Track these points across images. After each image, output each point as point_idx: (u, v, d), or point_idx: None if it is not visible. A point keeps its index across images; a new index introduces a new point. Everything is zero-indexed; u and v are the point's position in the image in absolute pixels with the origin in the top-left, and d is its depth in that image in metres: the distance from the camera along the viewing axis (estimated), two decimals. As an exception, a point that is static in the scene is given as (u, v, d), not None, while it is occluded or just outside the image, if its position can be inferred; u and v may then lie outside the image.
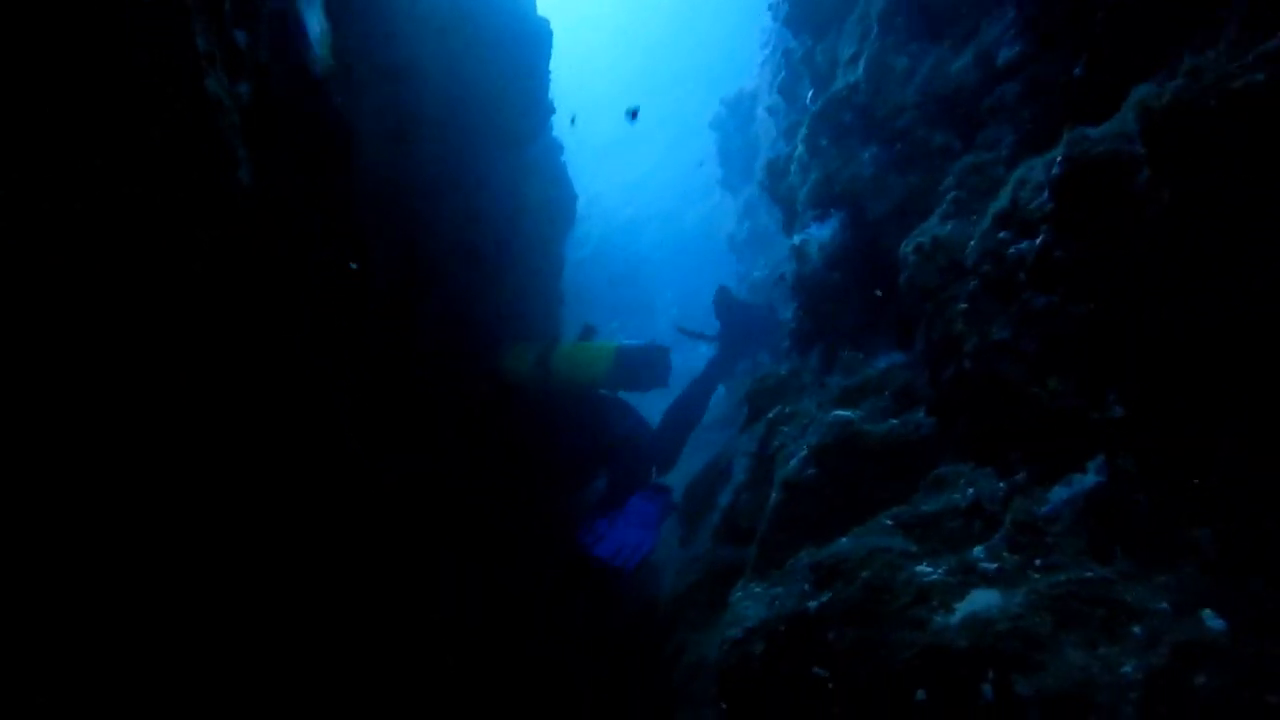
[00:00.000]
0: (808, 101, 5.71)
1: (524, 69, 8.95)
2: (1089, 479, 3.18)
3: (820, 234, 5.18)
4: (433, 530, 5.61)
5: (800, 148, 5.82)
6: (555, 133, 11.28)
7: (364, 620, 4.29)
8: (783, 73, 7.49)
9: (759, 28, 11.88)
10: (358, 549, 4.23)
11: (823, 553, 3.55)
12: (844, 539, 3.69)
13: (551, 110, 10.04)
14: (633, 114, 11.82)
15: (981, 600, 2.99)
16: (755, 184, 11.69)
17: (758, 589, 3.94)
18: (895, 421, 4.16)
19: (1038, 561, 3.16)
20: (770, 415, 4.94)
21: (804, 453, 4.25)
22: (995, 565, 3.17)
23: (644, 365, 7.58)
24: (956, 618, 2.94)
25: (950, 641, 2.87)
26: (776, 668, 3.34)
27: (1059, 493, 3.25)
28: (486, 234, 8.42)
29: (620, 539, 7.41)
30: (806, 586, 3.44)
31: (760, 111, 11.52)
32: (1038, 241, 3.26)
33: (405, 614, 4.74)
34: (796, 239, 5.44)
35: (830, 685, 3.12)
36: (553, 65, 9.45)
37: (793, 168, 6.31)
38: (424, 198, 7.03)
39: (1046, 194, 3.22)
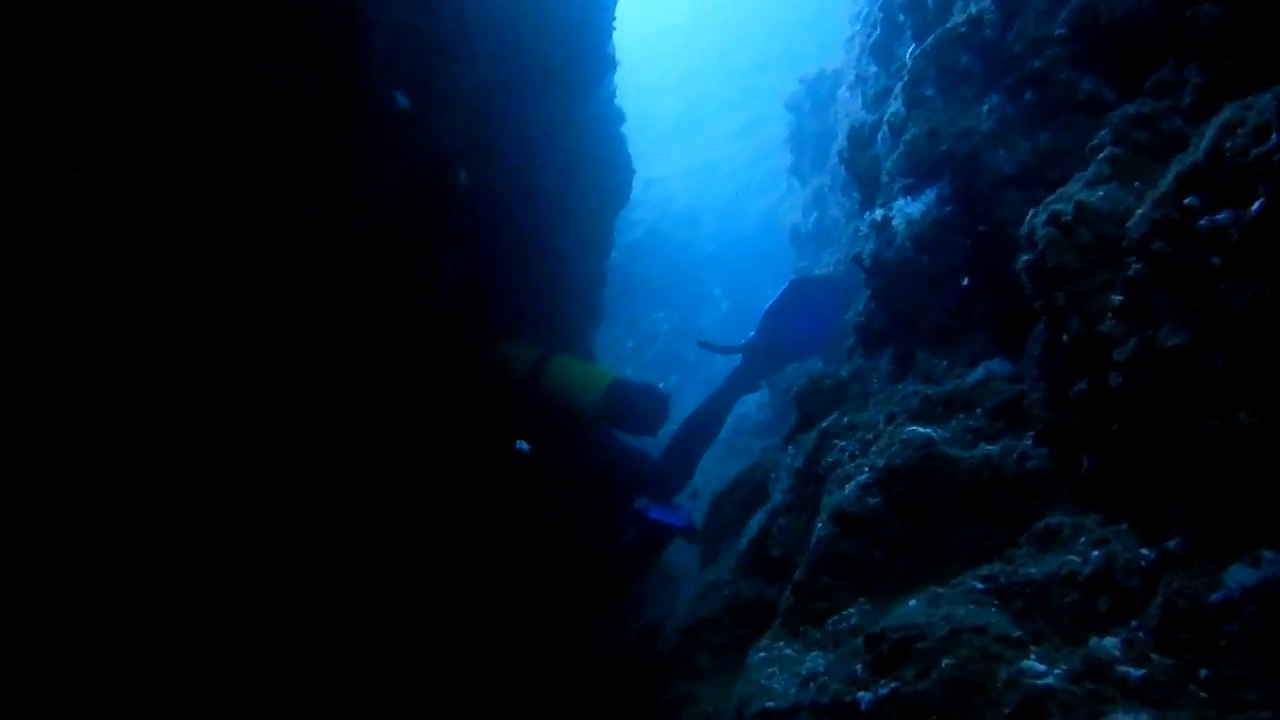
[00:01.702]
0: (907, 58, 4.69)
1: (583, 8, 7.98)
2: (1291, 561, 2.17)
3: (911, 208, 4.16)
4: (430, 526, 5.29)
5: (895, 105, 4.79)
6: (618, 100, 10.37)
7: (360, 616, 4.22)
8: (877, 31, 6.44)
9: (849, 3, 10.84)
10: (354, 543, 4.18)
11: (885, 620, 2.54)
12: (913, 601, 2.69)
13: (613, 64, 9.08)
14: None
15: (1127, 726, 1.97)
16: (827, 172, 10.69)
17: (789, 651, 2.94)
18: (992, 448, 3.14)
19: (1203, 673, 2.14)
20: (824, 425, 3.94)
21: (865, 476, 3.24)
22: (1141, 672, 2.15)
23: (637, 406, 6.75)
24: (1091, 754, 1.93)
25: (1080, 792, 1.87)
26: (804, 780, 2.35)
27: (1240, 574, 2.23)
28: (528, 199, 7.53)
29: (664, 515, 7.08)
30: (859, 667, 2.43)
31: (842, 92, 10.50)
32: (1253, 209, 2.23)
33: (400, 611, 4.62)
34: (878, 213, 4.42)
35: (883, 825, 2.12)
36: (621, 41, 8.52)
37: (881, 134, 5.28)
38: (456, 149, 6.14)
39: (1277, 136, 2.19)
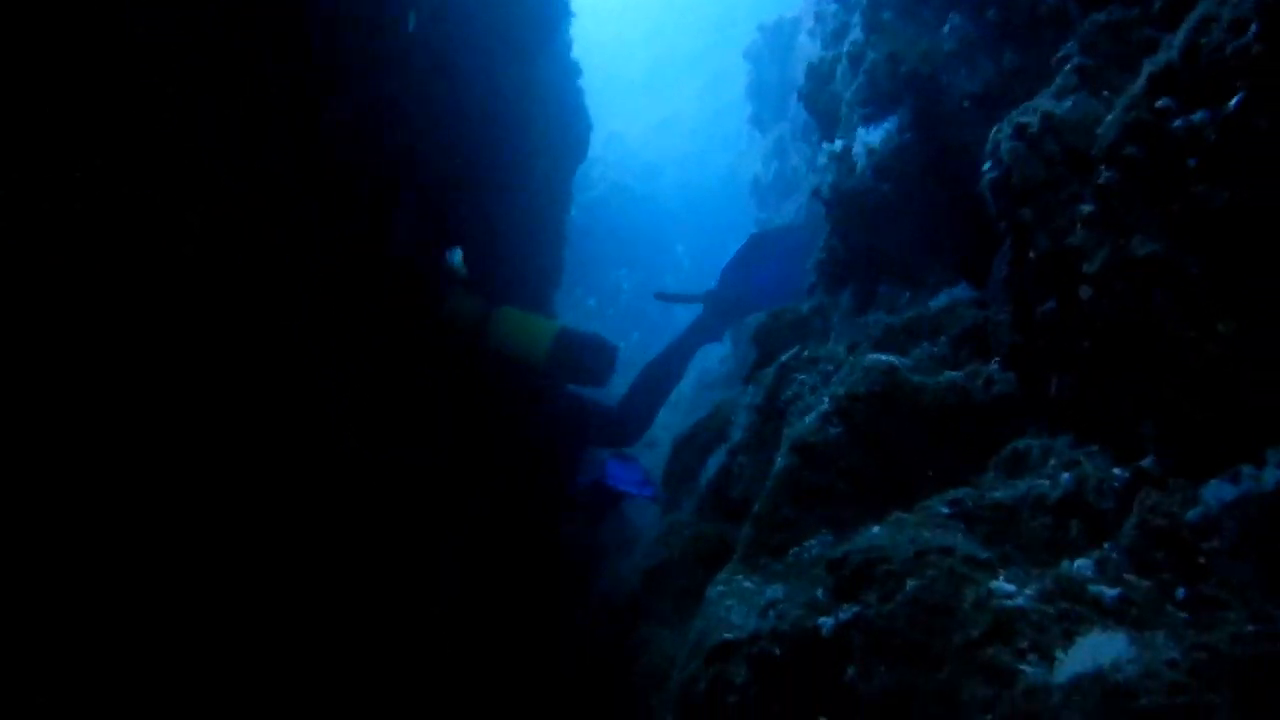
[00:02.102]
0: (866, -12, 4.55)
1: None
2: (1271, 475, 2.07)
3: (872, 136, 4.03)
4: (426, 521, 5.30)
5: (854, 34, 4.66)
6: (578, 55, 10.14)
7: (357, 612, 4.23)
8: (835, -33, 6.28)
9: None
10: (352, 542, 4.19)
11: (847, 545, 2.43)
12: (877, 527, 2.57)
13: (569, 13, 8.87)
14: None
15: (1104, 648, 1.86)
16: (787, 121, 10.55)
17: (748, 584, 2.82)
18: (957, 374, 3.03)
19: (1181, 593, 2.04)
20: (784, 359, 3.81)
21: (825, 405, 3.12)
22: (1116, 592, 2.05)
23: (587, 355, 6.63)
24: (1064, 675, 1.82)
25: (1054, 709, 1.76)
26: (764, 712, 2.23)
27: (1219, 490, 2.13)
28: (480, 154, 7.29)
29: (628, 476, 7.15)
30: (820, 592, 2.32)
31: (801, 39, 10.32)
32: (1230, 105, 2.11)
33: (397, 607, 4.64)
34: (838, 144, 4.28)
35: (846, 754, 2.01)
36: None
37: (839, 69, 5.14)
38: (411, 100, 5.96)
39: (1256, 27, 2.07)
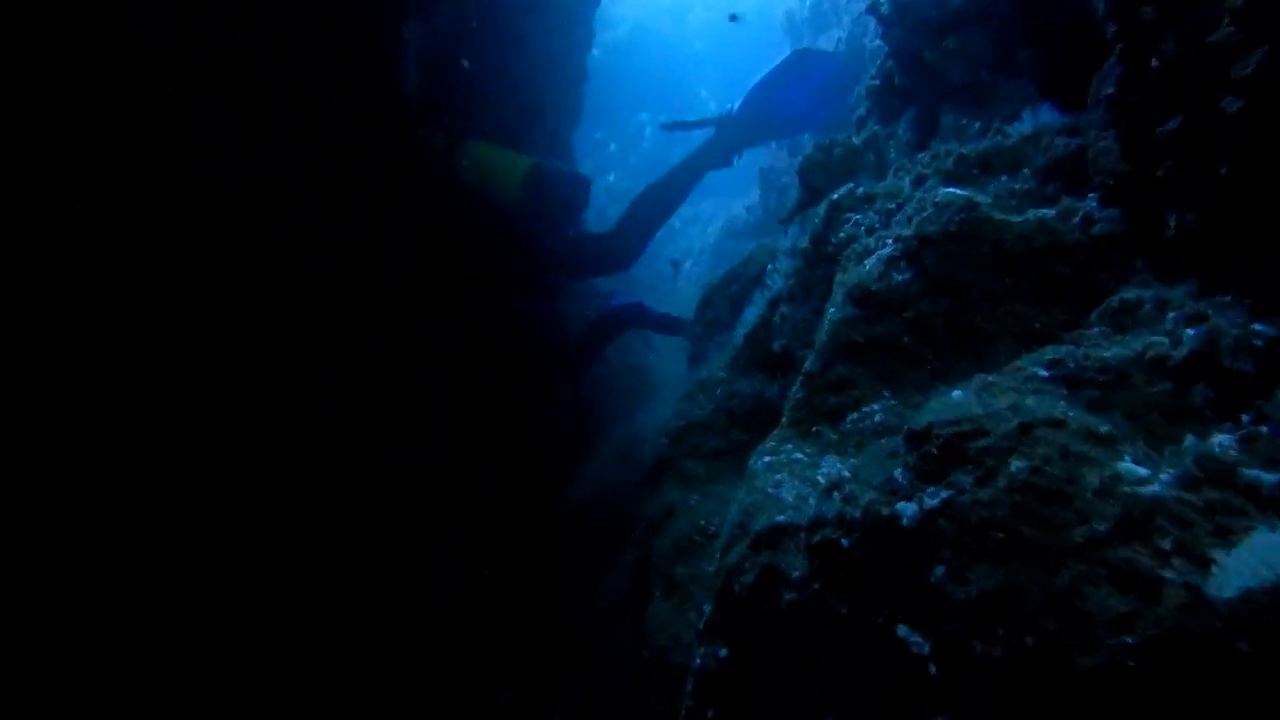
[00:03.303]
0: None
1: None
2: None
3: (941, -65, 3.48)
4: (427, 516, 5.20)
5: None
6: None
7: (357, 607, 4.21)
8: None
9: None
10: (352, 539, 4.16)
11: (927, 414, 2.00)
12: (957, 391, 2.15)
13: None
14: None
15: (1277, 553, 1.45)
16: (827, -52, 9.80)
17: (800, 454, 2.41)
18: (1048, 211, 2.57)
19: (1361, 480, 1.62)
20: (835, 196, 3.35)
21: (890, 249, 2.68)
22: (1276, 478, 1.63)
23: (563, 188, 6.24)
24: (1230, 588, 1.41)
25: (1219, 633, 1.36)
26: (827, 614, 1.84)
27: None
28: None
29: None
30: (898, 472, 1.90)
31: None
32: None
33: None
34: (900, -53, 3.73)
35: (933, 671, 1.62)
36: None
37: None
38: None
39: None
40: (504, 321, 6.28)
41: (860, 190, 3.27)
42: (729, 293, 5.17)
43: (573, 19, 9.03)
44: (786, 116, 7.23)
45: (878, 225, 3.02)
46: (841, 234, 3.15)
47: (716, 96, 16.19)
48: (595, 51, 10.52)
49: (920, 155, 3.51)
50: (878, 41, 7.36)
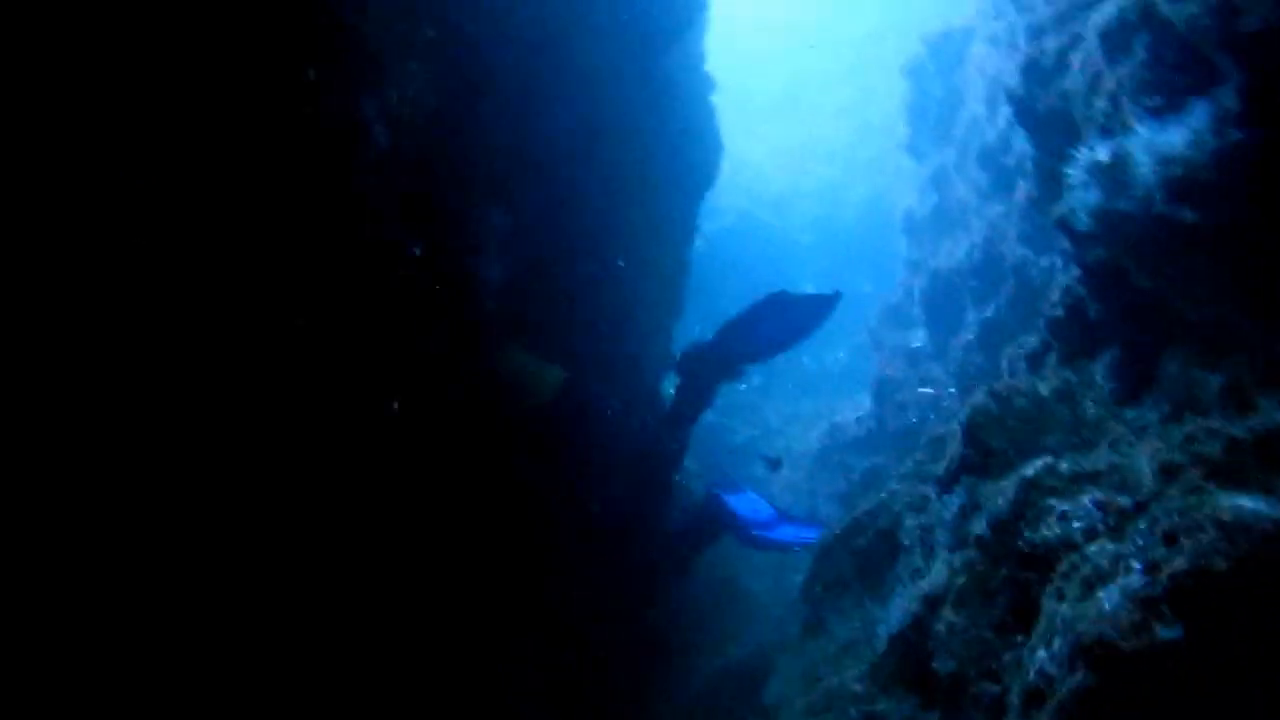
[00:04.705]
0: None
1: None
2: None
3: (1167, 136, 2.68)
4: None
5: (1108, 9, 3.29)
6: (711, 68, 9.10)
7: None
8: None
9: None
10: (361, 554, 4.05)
11: None
12: None
13: (703, 7, 7.76)
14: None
15: None
16: (953, 146, 9.12)
17: None
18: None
19: None
20: (1029, 473, 2.47)
21: (1140, 581, 1.79)
22: None
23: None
24: None
25: None
26: None
27: None
28: (589, 165, 6.29)
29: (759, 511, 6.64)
30: None
31: (975, 48, 8.88)
32: None
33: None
34: (1102, 150, 2.94)
35: None
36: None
37: (1075, 58, 3.79)
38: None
39: None
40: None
41: (1066, 467, 2.41)
42: (855, 546, 4.28)
43: (672, 213, 8.57)
44: (756, 350, 6.94)
45: (1101, 528, 2.14)
46: (1045, 532, 2.27)
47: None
48: (698, 243, 10.13)
49: (1134, 414, 2.65)
50: (1021, 251, 6.66)
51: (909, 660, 2.74)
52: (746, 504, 6.76)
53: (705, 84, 9.08)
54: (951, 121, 9.28)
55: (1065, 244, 3.31)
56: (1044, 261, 5.72)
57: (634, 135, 7.01)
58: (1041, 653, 1.90)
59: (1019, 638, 2.27)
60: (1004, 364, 5.38)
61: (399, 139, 4.18)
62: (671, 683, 7.13)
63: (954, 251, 8.04)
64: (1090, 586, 1.92)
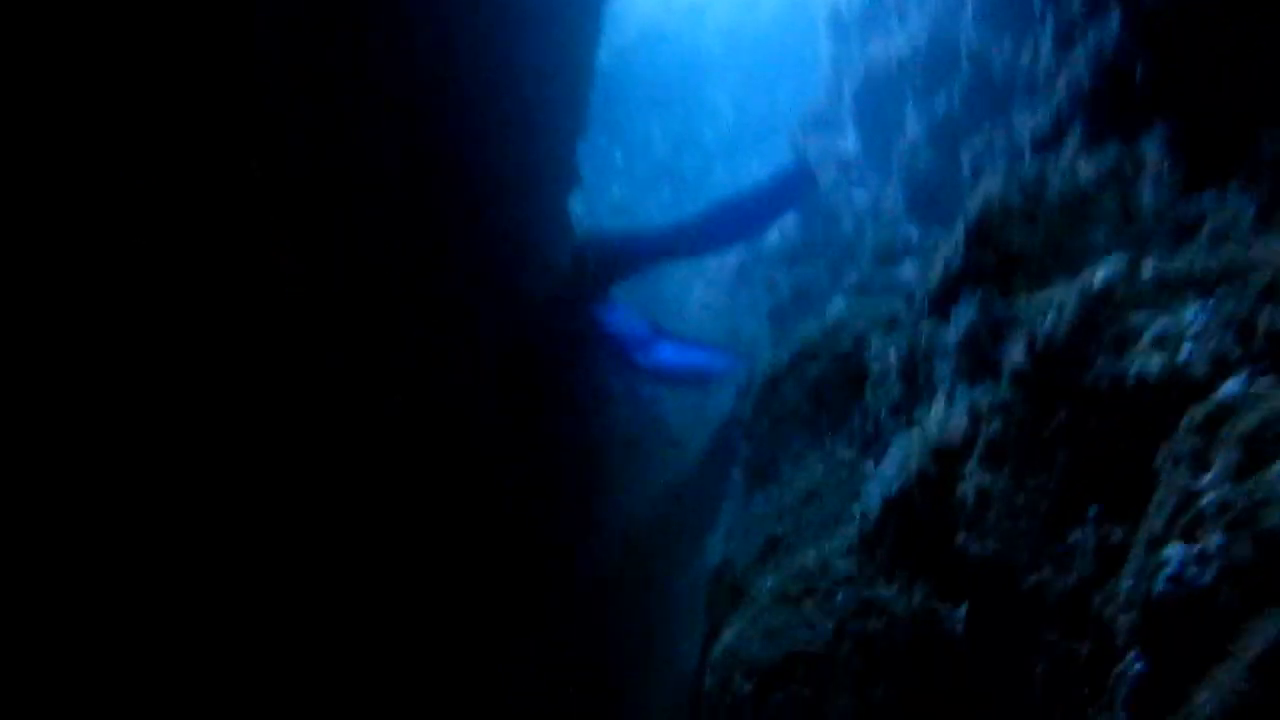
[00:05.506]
0: None
1: None
2: None
3: None
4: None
5: None
6: None
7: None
8: None
9: None
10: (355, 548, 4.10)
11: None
12: None
13: None
14: None
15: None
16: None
17: None
18: None
19: None
20: (1096, 283, 1.81)
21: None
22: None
23: None
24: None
25: None
26: None
27: None
28: None
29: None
30: None
31: None
32: None
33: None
34: None
35: None
36: None
37: None
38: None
39: None
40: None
41: (1151, 270, 1.73)
42: (806, 377, 3.62)
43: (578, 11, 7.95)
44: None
45: (1235, 356, 1.48)
46: (1139, 362, 1.60)
47: (735, 101, 14.99)
48: (602, 57, 9.75)
49: (1212, 204, 1.99)
50: (980, 32, 5.86)
51: (915, 533, 2.10)
52: (619, 318, 6.70)
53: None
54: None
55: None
56: (1007, 43, 4.97)
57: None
58: (1178, 548, 1.24)
59: (1093, 510, 1.63)
60: (965, 161, 4.71)
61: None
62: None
63: (890, 45, 7.24)
64: (1253, 448, 1.26)
